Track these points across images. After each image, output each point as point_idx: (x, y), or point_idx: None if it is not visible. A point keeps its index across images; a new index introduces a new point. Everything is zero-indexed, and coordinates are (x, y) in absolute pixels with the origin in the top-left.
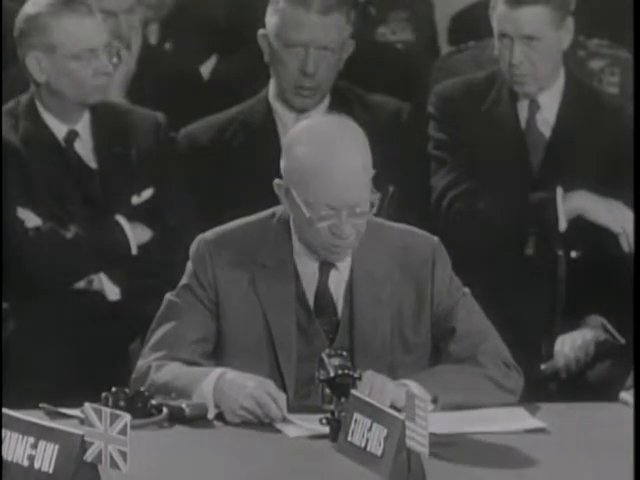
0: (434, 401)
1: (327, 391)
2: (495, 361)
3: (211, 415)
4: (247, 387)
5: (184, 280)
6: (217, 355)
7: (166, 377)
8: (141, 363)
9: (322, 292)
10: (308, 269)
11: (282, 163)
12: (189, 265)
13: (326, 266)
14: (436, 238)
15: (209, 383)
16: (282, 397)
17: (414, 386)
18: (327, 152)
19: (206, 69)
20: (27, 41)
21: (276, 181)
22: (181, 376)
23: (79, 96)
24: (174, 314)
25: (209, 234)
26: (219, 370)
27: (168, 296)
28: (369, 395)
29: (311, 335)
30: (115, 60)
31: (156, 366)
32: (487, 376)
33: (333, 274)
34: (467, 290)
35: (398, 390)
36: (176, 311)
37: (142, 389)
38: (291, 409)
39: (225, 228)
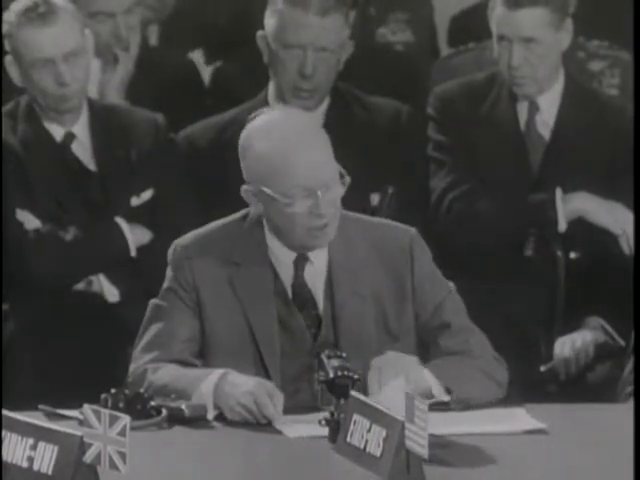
0: (447, 392)
1: (322, 390)
2: (487, 355)
3: (211, 416)
4: (247, 385)
5: (166, 284)
6: (202, 355)
7: (165, 379)
8: (135, 366)
9: (299, 286)
10: (284, 264)
11: (245, 167)
12: (168, 270)
13: (301, 260)
14: (413, 229)
15: (210, 383)
16: (280, 398)
17: (427, 373)
18: (287, 138)
19: (206, 70)
20: (7, 45)
21: (244, 187)
22: (181, 377)
23: (49, 104)
24: (161, 316)
25: (183, 239)
26: (220, 371)
27: (153, 301)
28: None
29: (294, 330)
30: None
31: (153, 368)
32: (482, 369)
33: (308, 268)
34: (452, 285)
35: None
36: (163, 313)
37: (141, 390)
38: (286, 409)
39: (199, 232)
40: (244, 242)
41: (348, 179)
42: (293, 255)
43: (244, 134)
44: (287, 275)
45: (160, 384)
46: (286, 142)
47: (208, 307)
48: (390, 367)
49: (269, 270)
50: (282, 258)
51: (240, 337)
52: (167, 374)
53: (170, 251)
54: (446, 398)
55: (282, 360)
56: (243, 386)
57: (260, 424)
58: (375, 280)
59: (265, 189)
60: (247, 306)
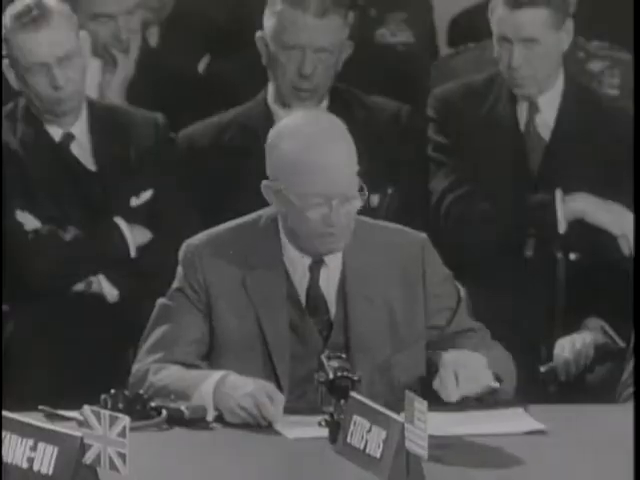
0: (497, 379)
1: (325, 392)
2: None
3: (210, 417)
4: (247, 387)
5: (176, 284)
6: (211, 357)
7: (166, 380)
8: (138, 366)
9: (313, 291)
10: (298, 268)
11: (268, 163)
12: (179, 270)
13: (317, 264)
14: (424, 235)
15: (210, 384)
16: (280, 399)
17: (479, 357)
18: (313, 143)
19: (205, 71)
20: (4, 49)
21: (264, 183)
22: (181, 378)
23: (45, 107)
24: (168, 317)
25: (196, 239)
26: (221, 372)
27: (161, 300)
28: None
29: (304, 334)
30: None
31: (155, 369)
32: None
33: (324, 272)
34: (461, 288)
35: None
36: (170, 314)
37: (141, 391)
38: (287, 410)
39: (212, 232)
40: (258, 244)
41: (366, 194)
42: (309, 259)
43: (274, 130)
44: (301, 279)
45: (160, 385)
46: (311, 147)
47: (219, 308)
48: (465, 368)
49: (282, 273)
50: (297, 262)
51: (250, 339)
52: (168, 375)
53: (181, 251)
54: (495, 385)
55: (292, 363)
56: (243, 388)
57: (260, 426)
58: (387, 285)
59: (283, 189)
60: (259, 309)
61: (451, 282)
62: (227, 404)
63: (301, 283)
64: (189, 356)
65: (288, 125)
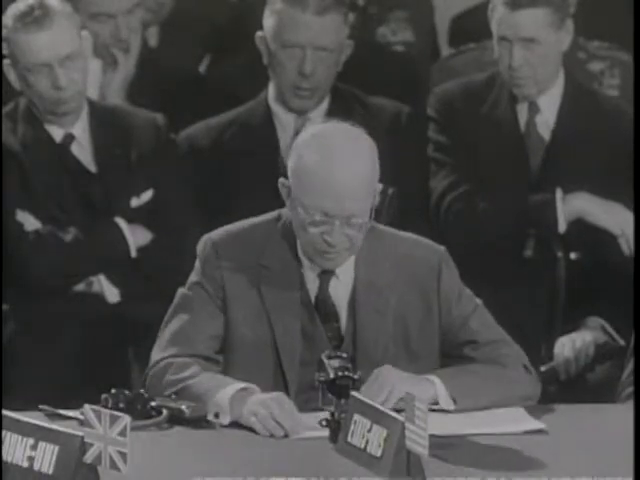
0: (454, 401)
1: (327, 393)
2: (517, 367)
3: (226, 421)
4: (260, 396)
5: (194, 277)
6: (224, 354)
7: (187, 381)
8: (159, 356)
9: (323, 299)
10: (310, 275)
11: (289, 162)
12: (197, 264)
13: (325, 274)
14: (443, 248)
15: (227, 392)
16: (294, 410)
17: (438, 383)
18: (328, 160)
19: (206, 71)
20: (4, 48)
21: (281, 180)
22: (199, 384)
23: (46, 107)
24: (188, 307)
25: (215, 234)
26: (240, 385)
27: (181, 290)
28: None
29: (315, 341)
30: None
31: (173, 369)
32: (511, 382)
33: (333, 282)
34: (480, 301)
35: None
36: (190, 305)
37: (141, 391)
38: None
39: (231, 228)
40: (275, 245)
41: (370, 223)
42: (318, 268)
43: (304, 131)
44: (313, 286)
45: (179, 388)
46: (325, 162)
47: (233, 305)
48: (373, 381)
49: (297, 277)
50: (309, 269)
51: (262, 341)
52: (186, 378)
53: (200, 245)
54: (450, 407)
55: (300, 368)
56: (256, 396)
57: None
58: (400, 298)
59: (294, 192)
60: (272, 312)
61: (465, 295)
62: (239, 411)
63: (312, 290)
64: (209, 350)
65: (315, 133)
